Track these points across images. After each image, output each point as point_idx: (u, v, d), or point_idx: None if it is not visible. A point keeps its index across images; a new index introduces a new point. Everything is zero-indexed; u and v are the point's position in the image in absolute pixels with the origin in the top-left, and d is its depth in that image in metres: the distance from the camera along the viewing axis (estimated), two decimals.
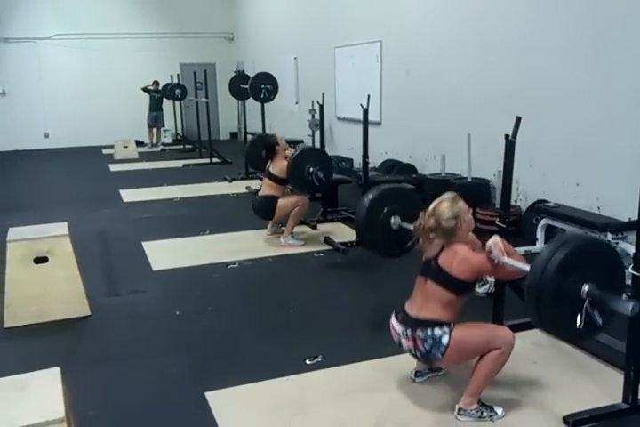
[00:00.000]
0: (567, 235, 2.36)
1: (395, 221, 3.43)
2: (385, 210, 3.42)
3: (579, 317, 2.30)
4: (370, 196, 3.51)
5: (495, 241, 2.64)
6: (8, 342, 3.81)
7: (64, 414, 1.99)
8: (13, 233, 4.10)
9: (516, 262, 2.61)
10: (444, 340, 2.66)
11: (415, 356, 2.81)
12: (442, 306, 2.71)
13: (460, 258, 2.68)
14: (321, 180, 5.59)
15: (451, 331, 2.66)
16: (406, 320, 2.79)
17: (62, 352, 3.58)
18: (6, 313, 3.95)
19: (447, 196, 2.80)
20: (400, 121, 8.32)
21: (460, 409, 2.79)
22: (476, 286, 4.32)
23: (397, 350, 3.43)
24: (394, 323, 2.87)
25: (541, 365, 3.28)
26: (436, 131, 7.29)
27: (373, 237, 3.56)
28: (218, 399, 3.01)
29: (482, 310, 3.84)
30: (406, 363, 3.32)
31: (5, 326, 3.94)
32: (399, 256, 3.64)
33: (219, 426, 2.79)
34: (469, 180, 6.55)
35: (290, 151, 5.85)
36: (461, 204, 2.77)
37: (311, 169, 5.56)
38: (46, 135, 14.77)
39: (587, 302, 2.30)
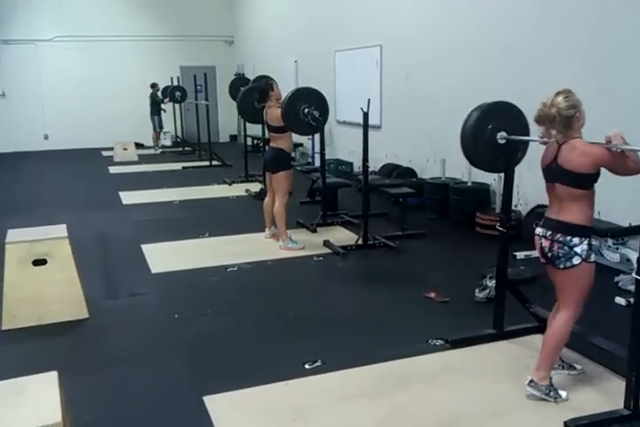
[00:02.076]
0: None
1: (501, 136, 3.38)
2: (490, 126, 3.37)
3: None
4: (474, 114, 3.42)
5: (616, 132, 2.66)
6: (5, 344, 3.79)
7: (60, 420, 1.97)
8: (12, 235, 4.08)
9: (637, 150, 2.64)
10: (576, 260, 2.81)
11: (545, 256, 2.93)
12: (577, 204, 2.80)
13: (579, 151, 2.73)
14: (317, 120, 5.48)
15: (586, 259, 2.81)
16: (547, 223, 2.92)
17: (60, 355, 3.55)
18: (4, 315, 3.93)
19: (562, 89, 2.82)
20: (400, 125, 8.31)
21: (531, 381, 2.94)
22: (476, 291, 4.32)
23: (397, 354, 3.43)
24: (536, 229, 2.99)
25: None
26: (436, 135, 7.28)
27: (480, 154, 3.47)
28: (216, 404, 2.99)
29: (482, 315, 3.84)
30: (407, 368, 3.31)
31: (3, 328, 3.92)
32: (506, 171, 3.56)
33: None
34: (469, 184, 6.55)
35: (281, 99, 5.71)
36: (576, 96, 2.80)
37: (306, 109, 5.43)
38: (46, 137, 14.76)
39: None
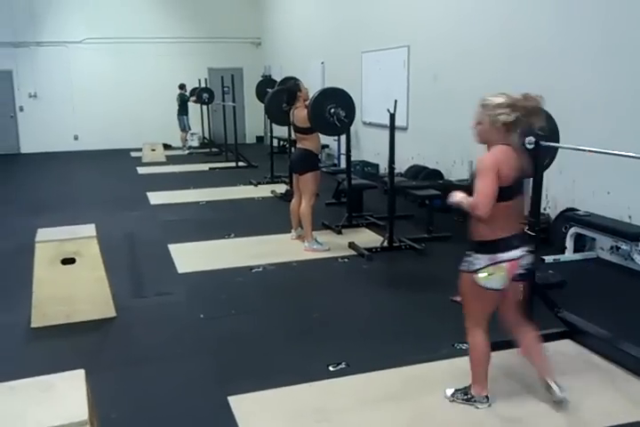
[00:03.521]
0: None
1: (529, 140, 3.33)
2: (518, 131, 3.33)
3: None
4: None
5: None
6: (34, 342, 3.86)
7: (87, 417, 1.99)
8: (42, 234, 4.15)
9: None
10: None
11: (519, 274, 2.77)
12: None
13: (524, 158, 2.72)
14: (343, 120, 5.48)
15: None
16: (524, 241, 2.78)
17: (87, 353, 3.60)
18: (33, 313, 4.00)
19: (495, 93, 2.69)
20: (427, 126, 8.26)
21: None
22: None
23: (423, 358, 3.40)
24: (514, 253, 2.68)
25: (570, 377, 3.19)
26: (464, 136, 7.13)
27: None
28: (240, 404, 2.99)
29: None
30: (433, 371, 3.28)
31: (32, 326, 3.98)
32: (533, 176, 3.47)
33: None
34: None
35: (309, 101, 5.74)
36: None
37: (332, 110, 5.45)
38: (76, 137, 15.00)
39: None
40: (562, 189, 5.77)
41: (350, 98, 5.69)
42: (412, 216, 6.98)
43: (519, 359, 3.40)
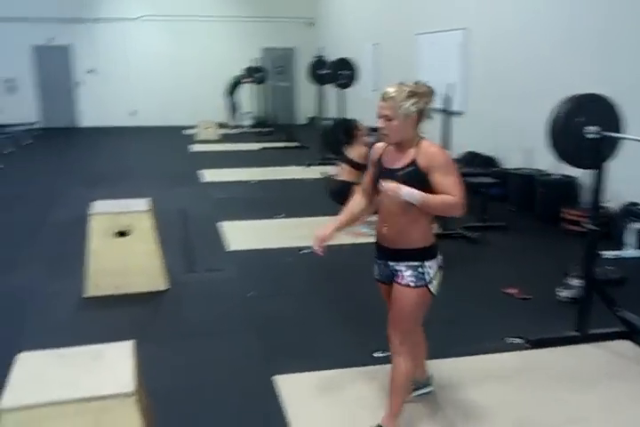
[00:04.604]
0: None
1: (591, 130, 3.17)
2: (580, 120, 3.17)
3: None
4: (563, 106, 3.23)
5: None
6: (86, 311, 3.94)
7: (134, 388, 1.99)
8: (97, 206, 4.22)
9: None
10: None
11: None
12: None
13: None
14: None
15: None
16: None
17: (137, 325, 3.66)
18: (86, 283, 4.08)
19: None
20: (483, 111, 8.02)
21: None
22: (559, 289, 4.12)
23: (471, 350, 3.32)
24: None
25: (626, 380, 3.06)
26: (522, 122, 6.96)
27: (569, 149, 3.26)
28: (286, 384, 2.99)
29: (564, 316, 3.66)
30: (481, 365, 3.21)
31: (85, 295, 4.07)
32: (595, 167, 3.31)
33: (287, 411, 2.76)
34: (556, 176, 6.25)
35: (369, 138, 5.77)
36: None
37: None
38: (132, 113, 15.24)
39: None
40: (626, 181, 5.52)
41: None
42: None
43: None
